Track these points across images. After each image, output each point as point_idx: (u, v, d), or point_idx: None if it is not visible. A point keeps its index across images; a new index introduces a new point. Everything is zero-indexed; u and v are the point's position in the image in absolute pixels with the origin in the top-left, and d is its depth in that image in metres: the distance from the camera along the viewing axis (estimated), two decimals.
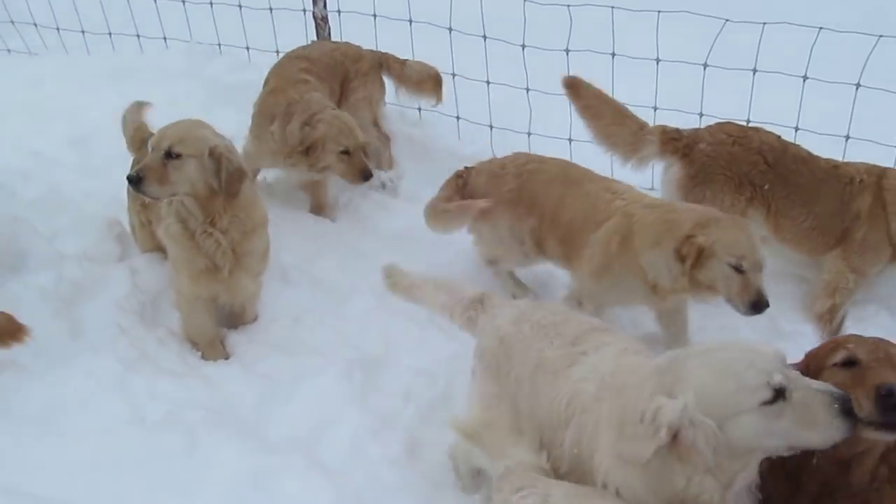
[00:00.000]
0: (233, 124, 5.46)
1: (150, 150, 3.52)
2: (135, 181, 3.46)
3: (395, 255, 3.85)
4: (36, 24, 6.75)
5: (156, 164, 3.46)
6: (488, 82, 5.35)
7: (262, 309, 4.14)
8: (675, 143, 4.22)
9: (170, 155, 3.45)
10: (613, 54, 4.89)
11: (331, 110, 4.58)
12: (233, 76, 5.93)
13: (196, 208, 3.57)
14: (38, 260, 4.18)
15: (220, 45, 6.27)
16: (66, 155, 5.37)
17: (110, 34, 6.55)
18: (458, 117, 5.54)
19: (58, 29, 6.68)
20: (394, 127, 5.58)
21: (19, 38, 6.85)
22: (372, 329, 4.02)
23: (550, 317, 2.85)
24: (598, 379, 2.50)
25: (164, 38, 6.42)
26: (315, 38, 5.86)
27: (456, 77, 5.45)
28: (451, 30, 5.39)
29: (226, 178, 3.49)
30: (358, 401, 3.56)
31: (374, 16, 5.67)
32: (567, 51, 4.99)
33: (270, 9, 5.97)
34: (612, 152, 4.40)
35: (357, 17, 5.76)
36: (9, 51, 6.93)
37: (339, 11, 5.89)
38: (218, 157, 3.48)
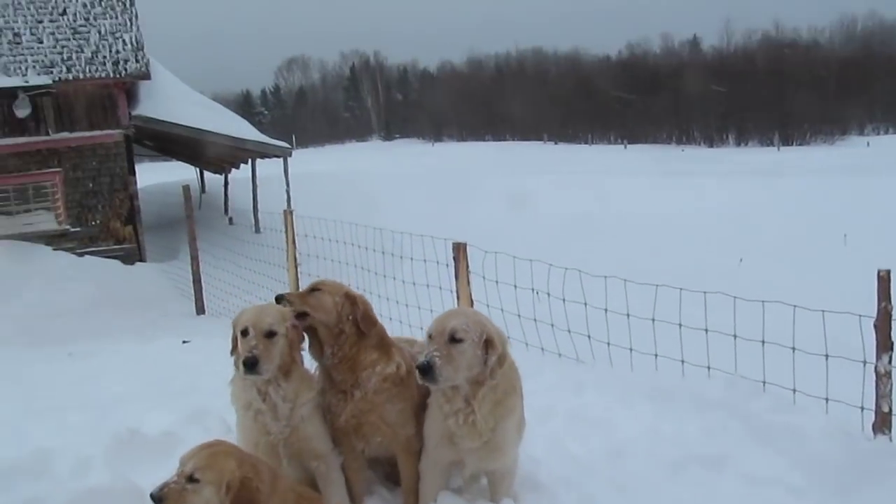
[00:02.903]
0: (769, 468, 5.28)
1: None
2: None
3: None
4: (589, 336, 7.36)
5: None
6: None
7: None
8: None
9: None
10: None
11: None
12: (776, 416, 5.75)
13: None
14: None
15: (764, 382, 6.18)
16: (601, 466, 5.56)
17: (656, 355, 6.87)
18: None
19: (608, 343, 7.20)
20: None
21: (571, 345, 7.49)
22: None
23: None
24: None
25: (708, 368, 6.54)
26: (875, 393, 5.51)
27: None
28: None
29: None
30: None
31: None
32: None
33: (826, 356, 5.79)
34: None
35: None
36: (559, 355, 7.60)
37: None
38: None
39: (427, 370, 4.08)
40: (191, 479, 3.73)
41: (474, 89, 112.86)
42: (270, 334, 4.29)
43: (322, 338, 4.51)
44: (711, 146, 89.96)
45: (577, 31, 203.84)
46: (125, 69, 20.34)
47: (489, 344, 4.20)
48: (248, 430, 4.40)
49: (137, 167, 21.73)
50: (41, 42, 20.29)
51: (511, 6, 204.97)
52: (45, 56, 20.11)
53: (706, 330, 6.51)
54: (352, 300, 4.52)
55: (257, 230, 22.92)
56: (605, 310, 7.24)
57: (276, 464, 4.28)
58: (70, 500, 4.56)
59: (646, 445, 5.76)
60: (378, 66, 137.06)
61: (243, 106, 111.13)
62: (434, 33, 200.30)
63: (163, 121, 20.92)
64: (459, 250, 7.96)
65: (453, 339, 4.14)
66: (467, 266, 8.14)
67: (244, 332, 4.28)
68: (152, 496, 3.71)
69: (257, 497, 3.72)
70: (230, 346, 4.43)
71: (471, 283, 8.15)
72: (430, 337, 4.22)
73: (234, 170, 28.08)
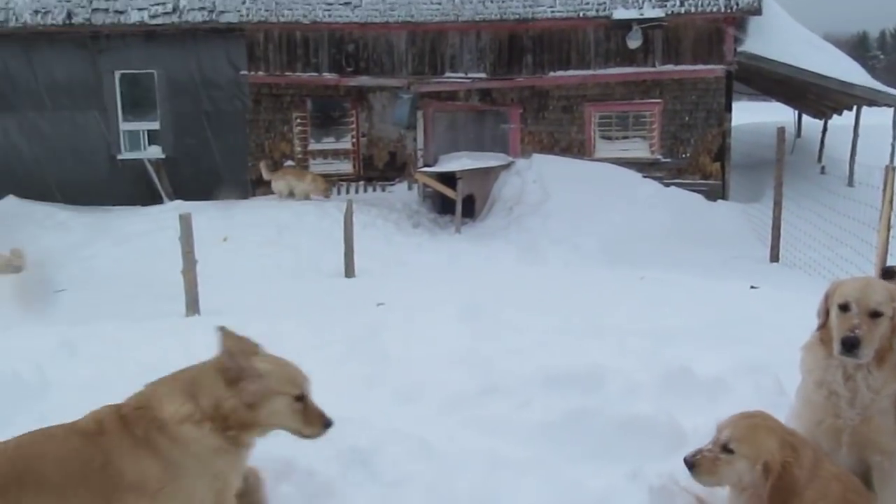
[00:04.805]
0: None
1: None
2: None
3: None
4: None
5: None
6: None
7: None
8: None
9: None
10: None
11: None
12: None
13: None
14: None
15: None
16: None
17: None
18: None
19: None
20: None
21: None
22: None
23: None
24: None
25: None
26: None
27: None
28: None
29: None
30: None
31: None
32: None
33: None
34: None
35: None
36: None
37: None
38: None
39: None
40: (725, 448, 3.56)
41: None
42: (876, 314, 3.74)
43: None
44: None
45: None
46: (737, 3, 20.04)
47: None
48: (814, 406, 3.97)
49: (734, 105, 21.50)
50: None
51: None
52: None
53: None
54: None
55: (850, 184, 21.27)
56: None
57: (835, 448, 3.87)
58: (615, 421, 4.71)
59: None
60: None
61: (857, 48, 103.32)
62: None
63: (768, 59, 20.31)
64: None
65: None
66: None
67: (843, 307, 3.79)
68: (685, 461, 3.62)
69: (795, 484, 3.41)
70: (820, 320, 3.97)
71: None
72: None
73: (835, 115, 26.31)
